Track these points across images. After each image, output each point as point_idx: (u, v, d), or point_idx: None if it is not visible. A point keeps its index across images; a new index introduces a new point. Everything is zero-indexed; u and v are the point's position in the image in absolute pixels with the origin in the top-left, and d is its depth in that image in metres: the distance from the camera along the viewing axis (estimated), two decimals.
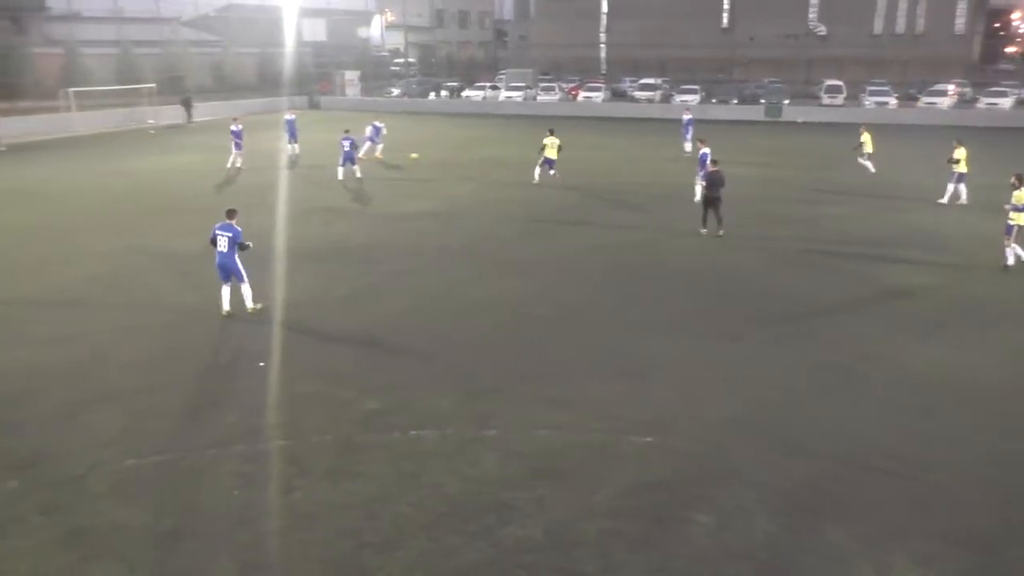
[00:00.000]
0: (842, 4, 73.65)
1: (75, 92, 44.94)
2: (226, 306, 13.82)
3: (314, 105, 59.86)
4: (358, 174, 27.33)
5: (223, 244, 13.48)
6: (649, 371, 11.77)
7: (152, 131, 45.32)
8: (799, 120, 49.79)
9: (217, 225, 13.72)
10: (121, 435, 9.96)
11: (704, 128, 35.36)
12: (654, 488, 8.73)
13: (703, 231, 19.80)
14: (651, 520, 8.15)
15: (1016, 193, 16.48)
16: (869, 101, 53.24)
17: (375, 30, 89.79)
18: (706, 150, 22.39)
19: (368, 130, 32.39)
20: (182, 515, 8.29)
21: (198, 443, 9.72)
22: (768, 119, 50.05)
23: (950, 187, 23.76)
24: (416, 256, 18.22)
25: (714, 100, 58.02)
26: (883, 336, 13.18)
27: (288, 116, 33.97)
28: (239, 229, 13.67)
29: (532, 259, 17.89)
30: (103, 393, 11.19)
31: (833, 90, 56.30)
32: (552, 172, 26.35)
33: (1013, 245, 16.66)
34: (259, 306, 13.97)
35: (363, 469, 9.14)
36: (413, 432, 9.96)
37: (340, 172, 27.48)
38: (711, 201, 19.46)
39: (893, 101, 52.93)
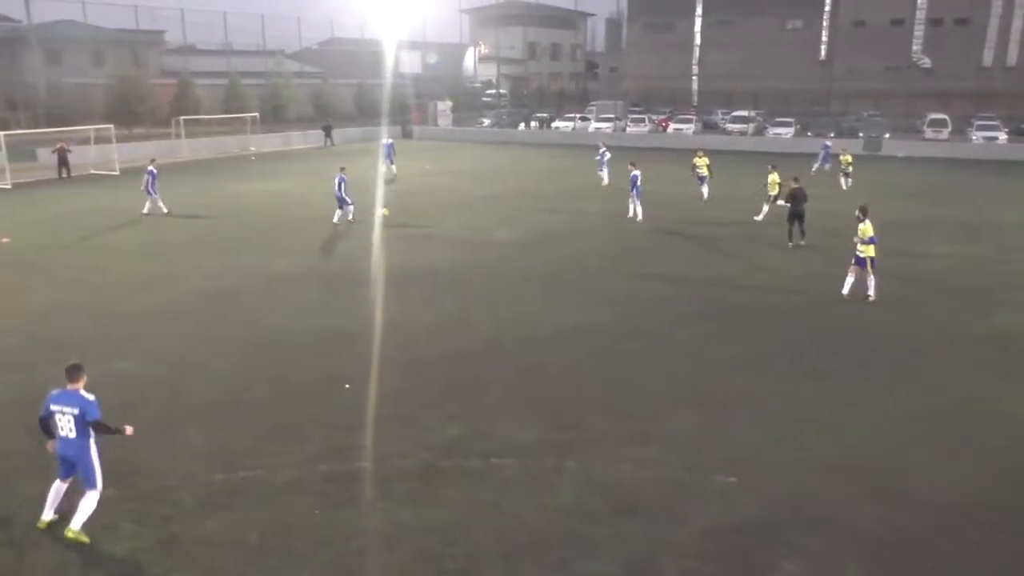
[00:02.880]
0: (949, 36, 70.97)
1: (184, 120, 47.42)
2: (47, 514, 8.44)
3: (407, 134, 61.35)
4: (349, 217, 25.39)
5: (65, 426, 8.11)
6: (734, 408, 11.44)
7: (253, 158, 47.29)
8: (900, 155, 48.05)
9: (51, 395, 8.20)
10: (211, 449, 10.29)
11: (798, 160, 34.58)
12: (739, 530, 8.43)
13: (789, 244, 21.86)
14: (735, 564, 7.86)
15: (861, 227, 16.55)
16: (977, 136, 50.92)
17: (469, 62, 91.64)
18: (636, 172, 25.71)
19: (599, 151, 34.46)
20: (265, 531, 8.47)
21: (283, 461, 9.94)
22: (867, 152, 48.48)
23: None
24: (502, 283, 18.33)
25: (809, 133, 56.64)
26: (981, 381, 12.46)
27: (385, 140, 39.45)
28: (90, 399, 8.17)
29: (617, 290, 17.73)
30: (197, 407, 11.61)
31: (937, 124, 54.06)
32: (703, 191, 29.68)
33: (870, 277, 16.57)
34: (82, 538, 8.18)
35: (443, 495, 9.15)
36: (494, 460, 9.93)
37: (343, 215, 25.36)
38: (796, 215, 21.79)
39: (1003, 136, 50.50)
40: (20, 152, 39.21)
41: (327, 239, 23.28)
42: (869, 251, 16.43)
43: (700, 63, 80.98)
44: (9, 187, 33.83)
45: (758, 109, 66.92)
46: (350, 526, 8.56)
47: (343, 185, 24.83)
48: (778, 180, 24.98)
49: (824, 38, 77.25)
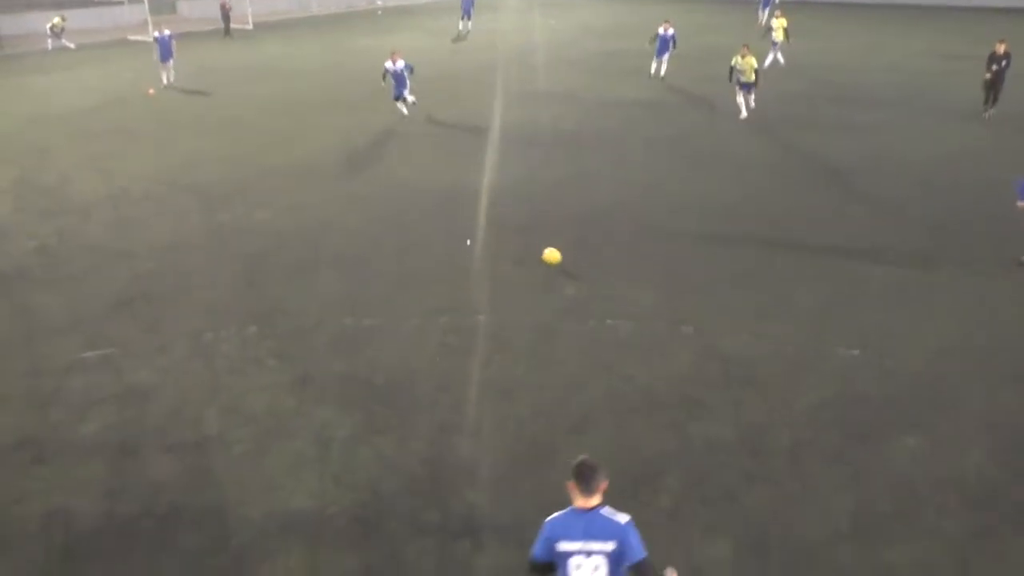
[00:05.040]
0: None
1: None
2: None
3: None
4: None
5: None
6: (864, 288, 10.96)
7: (380, 12, 47.03)
8: None
9: (555, 523, 4.59)
10: (343, 297, 10.86)
11: None
12: (858, 404, 8.27)
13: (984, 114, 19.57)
14: (851, 436, 7.76)
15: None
16: None
17: None
18: (669, 31, 24.55)
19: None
20: (390, 373, 8.99)
21: (408, 311, 10.40)
22: None
23: None
24: (625, 145, 17.90)
25: None
26: None
27: None
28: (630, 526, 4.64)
29: (747, 157, 16.98)
30: (330, 257, 12.21)
31: None
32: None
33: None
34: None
35: (558, 353, 9.38)
36: (610, 322, 10.03)
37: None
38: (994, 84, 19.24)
39: None
40: (162, 5, 40.55)
41: (451, 95, 23.18)
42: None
43: None
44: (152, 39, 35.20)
45: None
46: (469, 376, 8.95)
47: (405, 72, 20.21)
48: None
49: None
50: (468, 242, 12.54)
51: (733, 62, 19.91)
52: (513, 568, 6.04)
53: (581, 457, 4.54)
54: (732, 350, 9.35)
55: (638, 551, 4.38)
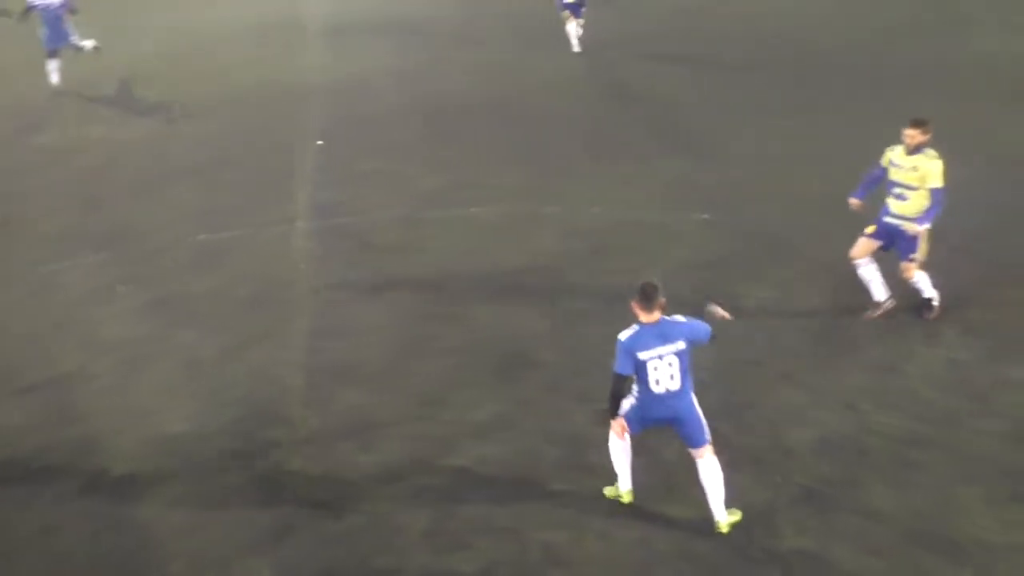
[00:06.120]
0: None
1: None
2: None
3: None
4: None
5: (665, 375, 5.42)
6: (724, 149, 11.36)
7: None
8: None
9: (629, 341, 5.39)
10: (196, 211, 10.36)
11: None
12: (712, 265, 8.71)
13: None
14: (701, 295, 8.17)
15: None
16: None
17: None
18: None
19: None
20: (255, 285, 8.75)
21: (266, 219, 10.05)
22: None
23: None
24: (470, 30, 17.45)
25: None
26: None
27: None
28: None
29: (598, 34, 16.91)
30: (178, 168, 11.55)
31: None
32: None
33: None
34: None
35: (427, 244, 9.36)
36: (474, 208, 10.05)
37: None
38: None
39: None
40: None
41: None
42: None
43: None
44: None
45: None
46: (336, 279, 8.81)
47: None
48: None
49: None
50: (320, 142, 12.10)
51: None
52: (402, 463, 6.20)
53: (643, 280, 5.38)
54: (591, 224, 9.55)
55: (704, 331, 5.44)
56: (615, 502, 5.69)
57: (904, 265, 7.49)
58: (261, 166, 11.51)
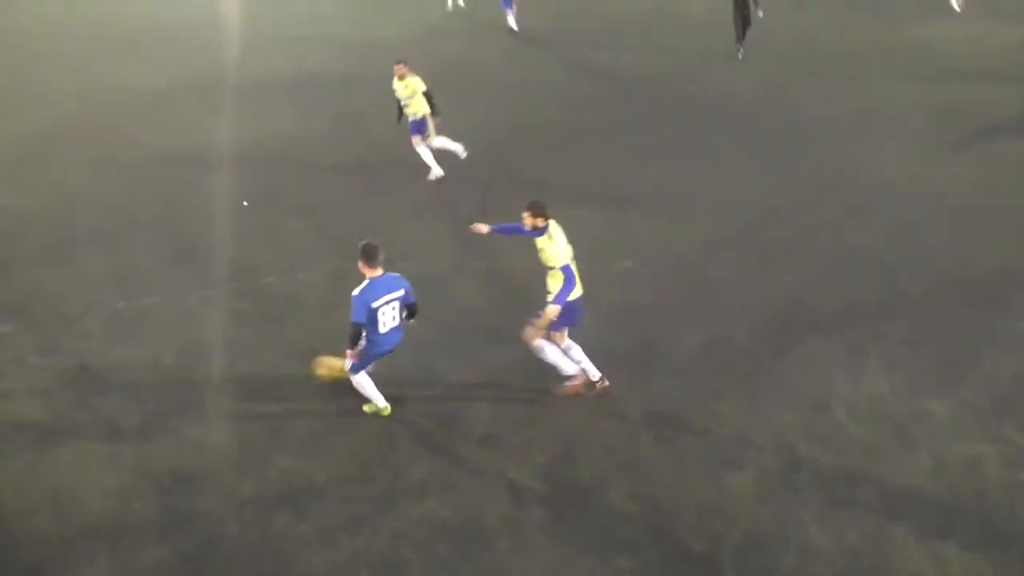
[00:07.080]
0: None
1: None
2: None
3: None
4: None
5: (389, 316, 7.13)
6: (638, 197, 11.73)
7: None
8: None
9: (368, 290, 7.01)
10: (112, 277, 10.00)
11: None
12: (639, 311, 8.88)
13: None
14: (638, 341, 8.34)
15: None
16: None
17: None
18: None
19: None
20: (180, 352, 8.47)
21: (189, 284, 9.80)
22: None
23: None
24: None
25: None
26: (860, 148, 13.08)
27: None
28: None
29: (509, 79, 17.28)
30: (88, 234, 11.16)
31: None
32: None
33: None
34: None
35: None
36: (399, 264, 9.98)
37: None
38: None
39: None
40: None
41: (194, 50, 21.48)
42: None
43: None
44: None
45: None
46: (267, 341, 8.60)
47: None
48: None
49: None
50: (245, 203, 11.91)
51: None
52: (338, 528, 6.04)
53: (363, 241, 6.85)
54: (518, 273, 9.59)
55: (412, 295, 7.06)
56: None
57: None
58: (175, 230, 11.23)
